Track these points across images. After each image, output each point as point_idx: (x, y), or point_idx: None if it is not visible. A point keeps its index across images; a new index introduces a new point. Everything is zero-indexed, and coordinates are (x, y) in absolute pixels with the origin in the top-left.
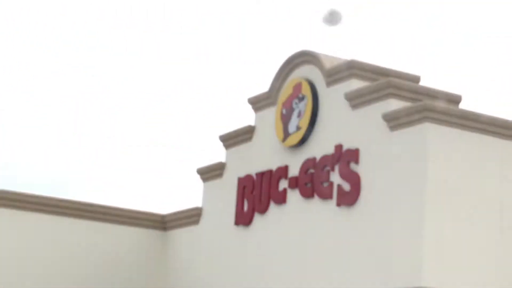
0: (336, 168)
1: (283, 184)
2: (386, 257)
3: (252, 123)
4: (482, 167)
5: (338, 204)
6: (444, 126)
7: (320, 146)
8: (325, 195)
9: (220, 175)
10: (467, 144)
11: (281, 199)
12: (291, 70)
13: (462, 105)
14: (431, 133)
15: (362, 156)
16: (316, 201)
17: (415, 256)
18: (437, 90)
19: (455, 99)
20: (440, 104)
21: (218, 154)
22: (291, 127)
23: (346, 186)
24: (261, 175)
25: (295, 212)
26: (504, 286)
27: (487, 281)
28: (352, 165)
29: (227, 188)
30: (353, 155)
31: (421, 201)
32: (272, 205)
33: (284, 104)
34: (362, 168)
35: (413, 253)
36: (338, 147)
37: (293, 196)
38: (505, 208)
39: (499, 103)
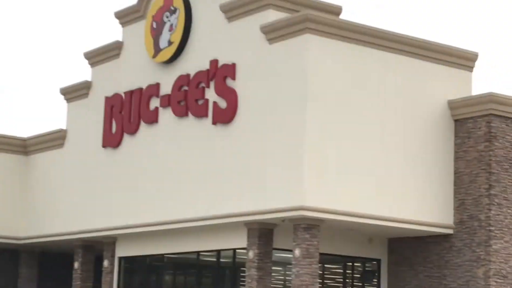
0: (212, 84)
1: (155, 102)
2: (266, 177)
3: (120, 39)
4: (364, 80)
5: (214, 122)
6: (325, 37)
7: (194, 62)
8: (200, 113)
9: (85, 94)
10: (349, 56)
11: (153, 118)
12: None
13: (343, 16)
14: (311, 44)
15: (239, 71)
16: (190, 119)
17: (296, 175)
18: (317, 0)
19: (335, 10)
20: (321, 15)
21: (82, 72)
22: (162, 42)
23: (223, 103)
24: (130, 93)
25: (168, 132)
26: (385, 203)
27: (369, 197)
28: (229, 81)
29: (94, 108)
30: (230, 70)
31: (302, 118)
32: (143, 125)
33: (154, 18)
34: (239, 84)
35: (294, 172)
36: (214, 62)
37: (166, 115)
38: (387, 122)
39: (389, 16)
